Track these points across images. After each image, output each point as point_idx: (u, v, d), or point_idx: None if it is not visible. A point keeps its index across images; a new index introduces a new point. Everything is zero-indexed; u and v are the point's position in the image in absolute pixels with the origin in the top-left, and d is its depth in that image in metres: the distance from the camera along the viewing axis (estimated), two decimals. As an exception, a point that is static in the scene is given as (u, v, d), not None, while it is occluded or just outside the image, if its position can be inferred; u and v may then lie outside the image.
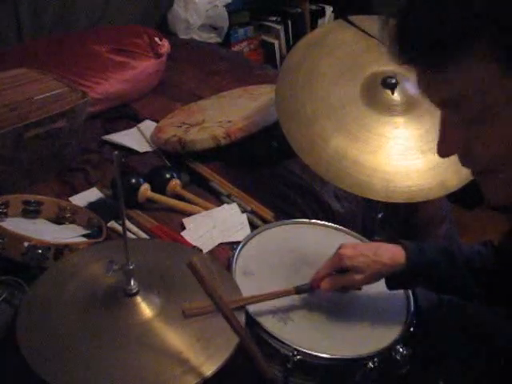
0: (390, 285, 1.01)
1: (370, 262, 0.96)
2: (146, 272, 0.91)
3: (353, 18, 1.40)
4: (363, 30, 1.37)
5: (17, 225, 1.15)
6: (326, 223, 1.24)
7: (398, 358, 0.97)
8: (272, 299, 1.00)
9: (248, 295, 0.96)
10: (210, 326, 0.85)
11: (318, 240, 1.19)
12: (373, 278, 0.98)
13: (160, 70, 2.01)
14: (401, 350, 0.97)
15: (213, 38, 2.58)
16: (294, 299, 1.03)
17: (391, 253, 0.97)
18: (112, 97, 1.81)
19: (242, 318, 0.88)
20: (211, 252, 1.25)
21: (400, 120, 1.23)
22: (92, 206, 1.35)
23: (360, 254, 0.97)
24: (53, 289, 0.91)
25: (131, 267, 0.85)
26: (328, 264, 1.00)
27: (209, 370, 0.79)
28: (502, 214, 2.58)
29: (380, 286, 1.01)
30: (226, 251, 1.23)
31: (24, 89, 1.46)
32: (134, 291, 0.86)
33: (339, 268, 0.99)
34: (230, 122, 1.55)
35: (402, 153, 1.20)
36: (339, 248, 1.00)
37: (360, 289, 1.04)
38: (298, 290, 1.01)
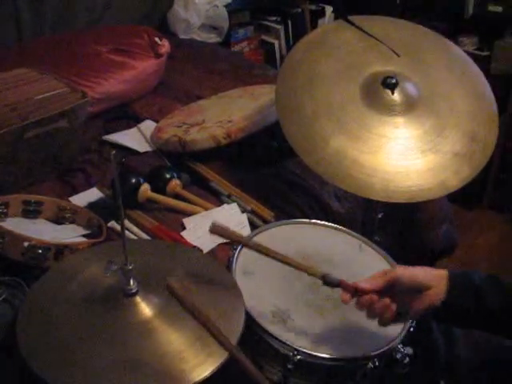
0: (437, 316, 0.91)
1: (418, 269, 0.89)
2: (146, 272, 0.91)
3: (353, 17, 1.40)
4: (363, 30, 1.37)
5: (17, 225, 1.15)
6: (326, 223, 1.24)
7: (398, 358, 0.97)
8: (291, 266, 0.95)
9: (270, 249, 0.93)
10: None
11: (318, 240, 1.19)
12: (416, 278, 0.88)
13: (160, 70, 2.01)
14: (401, 350, 0.98)
15: (213, 38, 2.58)
16: (295, 299, 1.03)
17: (438, 272, 0.90)
18: (112, 97, 1.81)
19: (241, 319, 0.88)
20: (211, 252, 1.26)
21: (400, 120, 1.23)
22: (92, 206, 1.35)
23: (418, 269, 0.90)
24: (53, 289, 0.91)
25: (130, 267, 0.85)
26: (378, 281, 0.89)
27: (208, 369, 0.79)
28: (501, 214, 2.58)
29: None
30: (226, 251, 1.23)
31: (24, 89, 1.47)
32: (134, 291, 0.86)
33: (389, 284, 0.89)
34: (230, 121, 1.55)
35: (402, 153, 1.20)
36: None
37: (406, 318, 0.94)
38: (325, 278, 0.92)
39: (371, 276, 0.91)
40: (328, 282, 0.93)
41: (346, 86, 1.27)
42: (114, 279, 0.88)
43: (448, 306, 0.87)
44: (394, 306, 0.89)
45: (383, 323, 0.90)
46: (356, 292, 0.90)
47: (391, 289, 0.89)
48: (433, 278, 0.88)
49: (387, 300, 0.89)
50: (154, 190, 1.38)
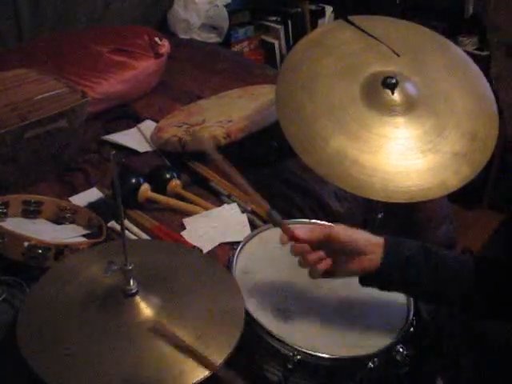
0: (364, 281, 0.96)
1: (357, 232, 0.94)
2: (146, 272, 0.91)
3: (353, 17, 1.40)
4: (363, 30, 1.37)
5: (17, 225, 1.15)
6: (326, 223, 1.24)
7: (398, 358, 0.97)
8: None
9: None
10: (209, 325, 0.85)
11: (318, 240, 1.19)
12: (353, 240, 0.92)
13: (160, 70, 2.01)
14: (401, 350, 0.98)
15: (213, 38, 2.58)
16: (295, 299, 1.03)
17: (376, 240, 0.94)
18: (112, 97, 1.81)
19: (241, 319, 0.88)
20: (211, 252, 1.26)
21: (400, 120, 1.23)
22: (92, 206, 1.35)
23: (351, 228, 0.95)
24: (53, 289, 0.91)
25: (130, 267, 0.85)
26: (315, 233, 0.94)
27: (208, 369, 0.79)
28: (501, 214, 2.58)
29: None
30: (226, 251, 1.23)
31: (24, 89, 1.47)
32: (134, 291, 0.86)
33: (325, 244, 0.93)
34: (230, 122, 1.55)
35: (402, 153, 1.20)
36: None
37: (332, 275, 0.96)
38: (270, 214, 0.96)
39: (312, 227, 0.96)
40: (271, 218, 0.96)
41: (346, 86, 1.27)
42: (114, 279, 0.88)
43: (380, 274, 0.92)
44: (328, 261, 0.93)
45: (312, 275, 0.95)
46: (292, 238, 0.94)
47: (328, 244, 0.93)
48: (369, 245, 0.93)
49: (321, 253, 0.93)
50: (154, 190, 1.38)
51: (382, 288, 0.97)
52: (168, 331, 0.81)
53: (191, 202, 1.40)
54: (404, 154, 1.20)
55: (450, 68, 1.36)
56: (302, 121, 1.24)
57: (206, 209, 1.37)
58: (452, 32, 2.44)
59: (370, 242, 0.94)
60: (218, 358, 0.80)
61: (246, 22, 2.78)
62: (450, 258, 0.94)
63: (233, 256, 1.09)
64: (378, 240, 0.95)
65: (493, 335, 1.05)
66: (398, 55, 1.32)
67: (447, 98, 1.29)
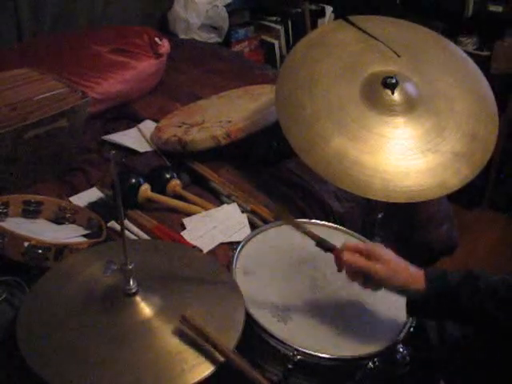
0: (411, 310, 0.97)
1: (400, 262, 0.94)
2: (146, 272, 0.91)
3: (353, 17, 1.40)
4: (363, 30, 1.37)
5: (17, 225, 1.15)
6: (326, 223, 1.25)
7: (398, 358, 0.97)
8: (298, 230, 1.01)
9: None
10: (209, 325, 0.85)
11: (317, 240, 1.19)
12: (395, 276, 0.92)
13: (160, 70, 2.01)
14: (401, 349, 0.98)
15: (213, 38, 2.58)
16: (295, 299, 1.03)
17: (418, 271, 0.94)
18: (112, 97, 1.81)
19: (241, 319, 0.88)
20: (211, 252, 1.26)
21: (400, 120, 1.23)
22: (92, 206, 1.35)
23: (393, 254, 0.95)
24: (53, 289, 0.91)
25: (130, 267, 0.85)
26: (359, 244, 0.98)
27: (208, 369, 0.79)
28: (501, 214, 2.58)
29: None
30: (226, 251, 1.23)
31: (24, 89, 1.46)
32: (134, 291, 0.86)
33: (369, 253, 0.94)
34: (230, 122, 1.55)
35: (402, 153, 1.20)
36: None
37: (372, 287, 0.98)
38: (319, 243, 0.99)
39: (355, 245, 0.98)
40: (322, 245, 0.99)
41: (346, 86, 1.27)
42: (114, 279, 0.88)
43: (427, 302, 0.92)
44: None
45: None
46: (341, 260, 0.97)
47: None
48: (396, 263, 0.94)
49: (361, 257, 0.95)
50: (154, 190, 1.38)
51: (429, 317, 0.98)
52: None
53: (191, 202, 1.40)
54: (404, 154, 1.20)
55: (450, 68, 1.36)
56: (302, 121, 1.24)
57: (206, 209, 1.37)
58: (452, 32, 2.44)
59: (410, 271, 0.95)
60: (218, 358, 0.80)
61: (245, 22, 2.78)
62: (498, 282, 0.93)
63: (233, 256, 1.09)
64: (419, 271, 0.95)
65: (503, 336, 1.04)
66: (398, 55, 1.32)
67: (447, 98, 1.29)
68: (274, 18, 2.85)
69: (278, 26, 2.81)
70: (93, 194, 1.42)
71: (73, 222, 1.27)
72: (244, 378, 0.80)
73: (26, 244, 1.06)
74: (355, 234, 1.22)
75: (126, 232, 1.25)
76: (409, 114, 1.24)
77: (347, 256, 0.95)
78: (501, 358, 1.02)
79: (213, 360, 0.80)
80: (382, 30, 1.37)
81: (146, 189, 1.36)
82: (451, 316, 0.96)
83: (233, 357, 0.80)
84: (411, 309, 0.96)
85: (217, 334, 0.82)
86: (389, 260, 0.93)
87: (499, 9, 2.47)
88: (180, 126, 1.62)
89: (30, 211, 1.24)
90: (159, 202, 1.38)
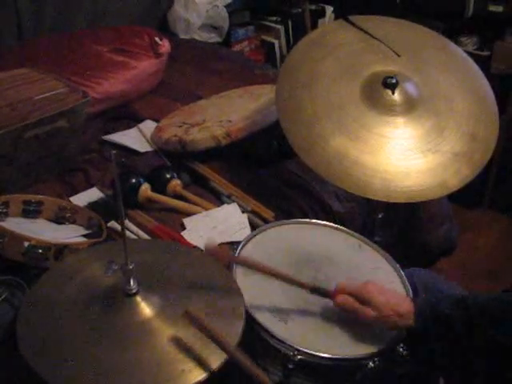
0: (410, 340, 0.98)
1: (388, 306, 0.95)
2: (146, 272, 0.91)
3: (353, 17, 1.40)
4: (363, 30, 1.37)
5: (17, 225, 1.15)
6: (326, 223, 1.24)
7: (398, 358, 0.97)
8: (284, 281, 1.01)
9: (263, 264, 1.00)
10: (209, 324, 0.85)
11: (318, 240, 1.19)
12: (384, 322, 0.96)
13: (160, 70, 2.01)
14: (401, 349, 0.97)
15: (213, 38, 2.58)
16: (295, 299, 1.03)
17: (408, 306, 0.96)
18: (112, 97, 1.81)
19: (242, 319, 0.88)
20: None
21: (400, 120, 1.23)
22: (92, 206, 1.35)
23: (382, 295, 0.97)
24: (53, 289, 0.91)
25: (130, 267, 0.85)
26: (350, 286, 0.99)
27: (208, 369, 0.79)
28: (501, 214, 2.58)
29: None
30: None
31: (24, 89, 1.46)
32: (134, 291, 0.86)
33: (358, 296, 0.97)
34: (230, 121, 1.55)
35: (402, 153, 1.20)
36: (366, 281, 1.00)
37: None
38: (313, 290, 1.01)
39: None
40: (317, 292, 1.01)
41: (347, 86, 1.27)
42: (114, 279, 0.88)
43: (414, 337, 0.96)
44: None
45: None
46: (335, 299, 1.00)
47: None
48: (387, 309, 0.96)
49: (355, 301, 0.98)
50: (154, 189, 1.38)
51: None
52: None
53: (191, 202, 1.39)
54: (404, 154, 1.20)
55: (450, 68, 1.36)
56: (302, 121, 1.24)
57: (206, 209, 1.37)
58: (452, 32, 2.44)
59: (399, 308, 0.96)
60: (218, 359, 0.80)
61: (245, 22, 2.78)
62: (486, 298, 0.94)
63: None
64: (409, 304, 0.96)
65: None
66: (398, 55, 1.32)
67: (447, 98, 1.29)
68: (274, 18, 2.85)
69: (278, 26, 2.81)
70: (93, 194, 1.42)
71: (73, 222, 1.27)
72: (244, 377, 0.80)
73: (26, 244, 1.06)
74: (355, 234, 1.22)
75: (127, 232, 1.25)
76: (409, 114, 1.24)
77: (339, 300, 0.99)
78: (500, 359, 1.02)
79: (213, 360, 0.80)
80: (382, 30, 1.37)
81: (146, 189, 1.36)
82: (445, 342, 0.97)
83: (235, 353, 0.80)
84: (410, 339, 0.98)
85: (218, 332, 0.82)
86: (378, 304, 0.96)
87: (499, 9, 2.47)
88: (180, 126, 1.62)
89: (30, 211, 1.24)
90: (159, 202, 1.38)
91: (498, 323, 0.91)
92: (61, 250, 1.08)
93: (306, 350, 0.92)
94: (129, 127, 1.75)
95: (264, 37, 2.83)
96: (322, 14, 2.89)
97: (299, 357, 0.92)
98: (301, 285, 1.01)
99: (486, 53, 2.54)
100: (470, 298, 0.95)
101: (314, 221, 1.25)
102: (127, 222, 1.30)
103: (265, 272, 1.01)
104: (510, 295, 0.95)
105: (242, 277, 1.05)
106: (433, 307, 0.95)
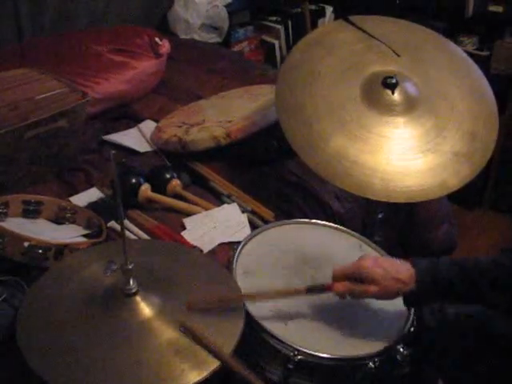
0: (406, 303, 0.99)
1: (388, 276, 0.95)
2: (146, 272, 0.91)
3: (353, 17, 1.40)
4: (363, 30, 1.37)
5: (17, 225, 1.15)
6: (326, 223, 1.24)
7: (398, 358, 0.97)
8: (281, 298, 1.01)
9: (256, 292, 0.98)
10: (209, 324, 0.85)
11: (318, 240, 1.19)
12: (387, 293, 0.95)
13: (160, 70, 2.01)
14: (401, 350, 0.97)
15: (213, 38, 2.58)
16: (295, 299, 1.03)
17: (408, 271, 0.95)
18: (112, 97, 1.81)
19: (241, 319, 0.88)
20: (211, 252, 1.25)
21: (400, 120, 1.23)
22: (92, 206, 1.35)
23: (379, 267, 0.96)
24: (53, 289, 0.91)
25: (130, 267, 0.85)
26: (345, 269, 0.98)
27: (208, 369, 0.79)
28: (501, 214, 2.58)
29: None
30: (226, 251, 1.23)
31: (24, 89, 1.47)
32: (134, 291, 0.86)
33: (356, 276, 0.97)
34: (230, 122, 1.55)
35: (402, 153, 1.20)
36: (359, 258, 0.99)
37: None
38: (310, 290, 0.99)
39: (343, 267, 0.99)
40: (313, 291, 1.00)
41: (346, 86, 1.27)
42: (114, 279, 0.88)
43: (417, 298, 0.96)
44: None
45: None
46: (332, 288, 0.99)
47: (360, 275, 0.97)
48: (388, 278, 0.95)
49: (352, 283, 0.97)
50: (154, 189, 1.38)
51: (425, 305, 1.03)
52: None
53: (191, 202, 1.39)
54: (404, 154, 1.20)
55: (450, 68, 1.36)
56: (302, 121, 1.24)
57: (206, 209, 1.37)
58: (452, 32, 2.44)
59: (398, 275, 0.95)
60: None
61: (245, 22, 2.78)
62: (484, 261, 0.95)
63: (233, 256, 1.09)
64: (408, 269, 0.96)
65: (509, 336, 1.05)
66: (398, 55, 1.32)
67: (447, 97, 1.29)
68: (274, 18, 2.85)
69: (278, 26, 2.81)
70: (93, 194, 1.42)
71: (73, 222, 1.27)
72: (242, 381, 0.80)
73: (26, 244, 1.06)
74: (355, 234, 1.22)
75: (126, 232, 1.25)
76: (409, 114, 1.24)
77: (338, 288, 0.97)
78: (500, 360, 1.02)
79: (213, 360, 0.80)
80: (382, 30, 1.37)
81: (146, 189, 1.36)
82: (447, 301, 1.01)
83: (230, 362, 0.80)
84: (406, 302, 0.99)
85: (216, 336, 0.82)
86: (378, 277, 0.95)
87: (499, 9, 2.47)
88: (180, 126, 1.62)
89: (30, 211, 1.24)
90: (159, 202, 1.38)
91: (495, 282, 0.92)
92: (61, 250, 1.09)
93: (305, 350, 0.93)
94: (129, 127, 1.75)
95: (264, 37, 2.83)
96: (322, 14, 2.89)
97: (299, 357, 0.92)
98: (297, 292, 1.00)
99: (485, 53, 2.53)
100: (468, 260, 0.95)
101: (313, 221, 1.25)
102: (127, 222, 1.30)
103: (259, 299, 1.00)
104: (505, 257, 0.96)
105: (241, 277, 1.05)
106: (433, 270, 0.94)
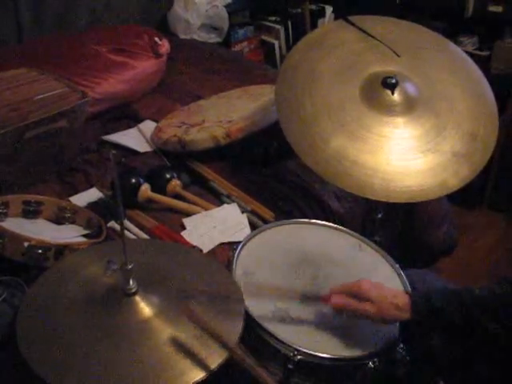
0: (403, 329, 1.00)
1: (385, 300, 0.95)
2: (146, 272, 0.91)
3: (353, 18, 1.40)
4: (363, 30, 1.37)
5: (17, 225, 1.15)
6: (326, 223, 1.24)
7: (398, 358, 0.97)
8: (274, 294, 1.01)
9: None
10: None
11: (317, 240, 1.19)
12: (383, 315, 0.95)
13: (160, 70, 2.01)
14: (401, 350, 0.97)
15: (213, 38, 2.58)
16: (295, 299, 1.03)
17: (404, 298, 0.96)
18: (112, 97, 1.81)
19: (241, 319, 0.88)
20: (211, 252, 1.26)
21: (400, 120, 1.23)
22: (92, 206, 1.35)
23: (377, 289, 0.96)
24: (53, 289, 0.91)
25: (130, 267, 0.85)
26: (344, 286, 0.99)
27: (208, 369, 0.79)
28: (501, 214, 2.58)
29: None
30: (226, 251, 1.23)
31: (24, 89, 1.47)
32: (133, 291, 0.86)
33: (354, 293, 0.97)
34: (230, 122, 1.55)
35: (402, 153, 1.20)
36: (359, 279, 0.99)
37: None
38: (304, 299, 1.01)
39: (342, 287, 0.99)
40: (308, 299, 1.01)
41: (346, 86, 1.27)
42: (114, 279, 0.88)
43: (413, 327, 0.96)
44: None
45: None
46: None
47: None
48: (385, 302, 0.95)
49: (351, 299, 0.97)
50: (154, 190, 1.38)
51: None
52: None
53: (191, 202, 1.40)
54: (404, 154, 1.20)
55: (450, 68, 1.36)
56: (301, 121, 1.24)
57: (206, 209, 1.37)
58: (452, 32, 2.44)
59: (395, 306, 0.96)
60: (218, 358, 0.80)
61: (245, 22, 2.78)
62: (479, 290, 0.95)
63: (233, 256, 1.09)
64: (405, 296, 0.96)
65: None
66: (398, 55, 1.32)
67: (447, 98, 1.29)
68: (274, 18, 2.85)
69: (278, 26, 2.81)
70: (93, 194, 1.42)
71: (73, 222, 1.27)
72: (245, 376, 0.80)
73: (26, 244, 1.06)
74: (355, 234, 1.22)
75: (126, 232, 1.25)
76: (409, 114, 1.24)
77: (335, 300, 0.98)
78: (500, 361, 1.02)
79: (212, 360, 0.80)
80: (381, 30, 1.37)
81: (145, 189, 1.36)
82: (442, 336, 0.99)
83: (238, 352, 0.80)
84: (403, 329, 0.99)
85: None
86: (375, 297, 0.95)
87: (499, 9, 2.47)
88: (180, 126, 1.62)
89: (30, 211, 1.24)
90: (159, 202, 1.38)
91: (493, 313, 0.91)
92: (61, 250, 1.09)
93: (305, 350, 0.92)
94: (129, 127, 1.75)
95: (264, 37, 2.83)
96: (322, 13, 2.89)
97: (299, 357, 0.92)
98: (292, 294, 1.01)
99: (485, 53, 2.53)
100: (464, 291, 0.95)
101: (313, 221, 1.25)
102: (127, 222, 1.30)
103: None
104: (502, 287, 0.95)
105: (241, 277, 1.05)
106: (427, 300, 0.95)
